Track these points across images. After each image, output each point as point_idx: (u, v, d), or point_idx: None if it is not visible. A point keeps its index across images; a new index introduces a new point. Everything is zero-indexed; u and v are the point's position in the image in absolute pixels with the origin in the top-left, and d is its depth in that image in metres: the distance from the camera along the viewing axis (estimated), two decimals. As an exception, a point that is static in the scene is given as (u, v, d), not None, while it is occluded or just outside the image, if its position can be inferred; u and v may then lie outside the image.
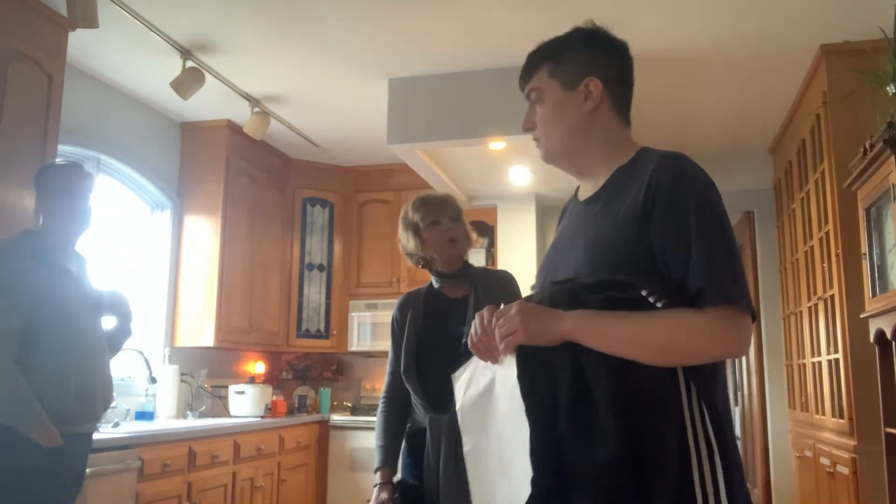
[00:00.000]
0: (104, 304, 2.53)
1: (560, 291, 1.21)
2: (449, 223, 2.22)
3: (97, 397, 2.41)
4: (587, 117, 1.31)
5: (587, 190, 1.35)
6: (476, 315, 1.27)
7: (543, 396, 1.16)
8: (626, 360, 1.13)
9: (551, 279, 1.28)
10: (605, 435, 1.11)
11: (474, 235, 2.31)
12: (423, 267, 2.31)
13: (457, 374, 1.38)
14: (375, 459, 2.21)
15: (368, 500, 2.22)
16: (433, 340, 2.19)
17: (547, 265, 1.38)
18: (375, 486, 2.16)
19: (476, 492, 1.30)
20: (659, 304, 1.12)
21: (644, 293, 1.12)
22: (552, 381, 1.16)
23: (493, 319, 1.21)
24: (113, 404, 3.74)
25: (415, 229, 2.24)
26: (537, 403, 1.16)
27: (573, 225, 1.35)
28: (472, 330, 1.25)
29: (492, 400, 1.28)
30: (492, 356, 1.24)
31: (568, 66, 1.33)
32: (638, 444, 1.09)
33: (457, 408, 1.36)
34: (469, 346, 1.27)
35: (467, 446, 1.33)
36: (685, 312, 1.11)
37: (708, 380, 1.14)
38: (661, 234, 1.15)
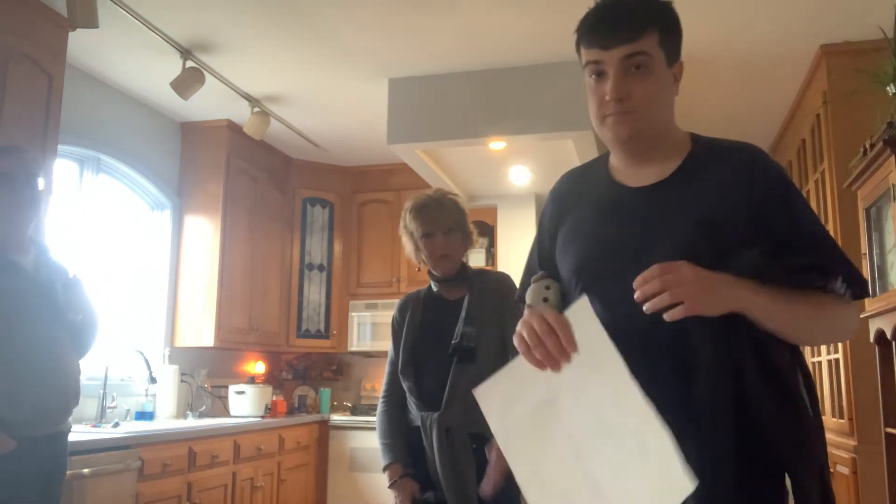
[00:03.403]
0: (59, 297, 2.25)
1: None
2: (442, 237, 2.19)
3: (49, 400, 2.19)
4: (672, 101, 1.21)
5: (640, 174, 1.23)
6: (527, 319, 1.14)
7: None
8: (772, 336, 1.12)
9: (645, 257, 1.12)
10: (787, 404, 1.13)
11: (475, 235, 2.31)
12: (421, 269, 2.34)
13: (481, 388, 1.18)
14: (383, 458, 2.21)
15: None
16: (429, 341, 2.21)
17: (612, 247, 1.22)
18: (391, 485, 2.16)
19: None
20: (848, 293, 1.15)
21: (840, 280, 1.13)
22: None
23: (659, 271, 1.04)
24: (114, 403, 3.77)
25: (410, 237, 2.25)
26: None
27: (640, 207, 1.21)
28: (526, 334, 1.11)
29: (556, 412, 1.11)
30: (553, 362, 1.09)
31: (674, 38, 1.18)
32: (796, 408, 1.14)
33: (493, 428, 1.18)
34: (521, 352, 1.12)
35: (523, 472, 1.14)
36: (837, 302, 1.15)
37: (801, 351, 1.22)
38: (783, 226, 1.15)
